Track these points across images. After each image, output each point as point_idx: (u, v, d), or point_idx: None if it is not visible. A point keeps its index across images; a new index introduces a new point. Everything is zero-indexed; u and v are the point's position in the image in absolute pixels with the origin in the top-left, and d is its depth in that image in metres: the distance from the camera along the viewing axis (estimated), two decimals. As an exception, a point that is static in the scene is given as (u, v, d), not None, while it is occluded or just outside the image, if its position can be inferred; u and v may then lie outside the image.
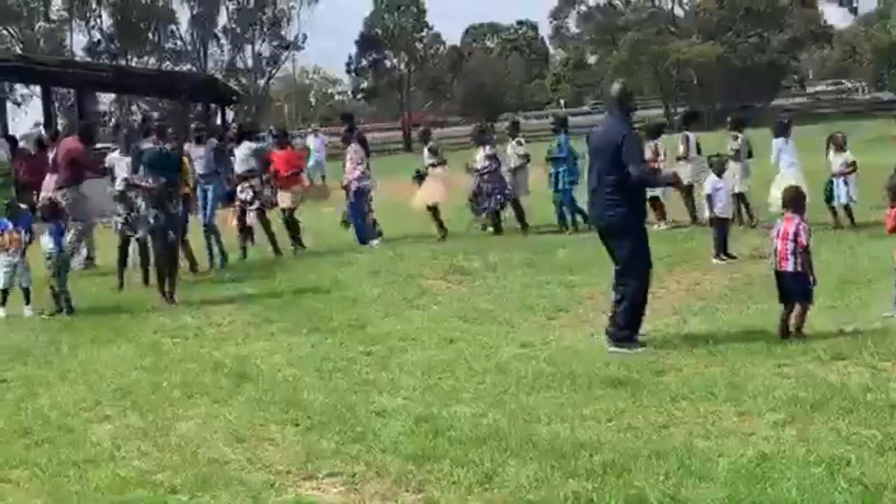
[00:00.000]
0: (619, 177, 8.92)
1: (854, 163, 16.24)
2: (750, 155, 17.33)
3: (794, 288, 8.99)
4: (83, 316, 12.22)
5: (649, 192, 17.53)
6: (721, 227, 13.85)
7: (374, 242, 17.29)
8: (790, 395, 7.00)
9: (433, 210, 18.13)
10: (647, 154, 17.46)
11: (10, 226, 12.68)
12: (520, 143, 18.99)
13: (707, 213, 14.16)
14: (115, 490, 6.02)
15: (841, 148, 16.39)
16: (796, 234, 8.97)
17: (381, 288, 12.88)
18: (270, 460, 6.43)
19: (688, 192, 17.65)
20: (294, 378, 8.52)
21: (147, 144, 13.17)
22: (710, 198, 13.93)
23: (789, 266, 9.00)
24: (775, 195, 15.91)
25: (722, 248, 13.73)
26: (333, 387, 8.13)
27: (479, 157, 18.37)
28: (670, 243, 15.48)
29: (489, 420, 6.92)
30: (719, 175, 14.19)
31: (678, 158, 18.28)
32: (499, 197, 18.20)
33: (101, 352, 10.12)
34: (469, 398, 7.55)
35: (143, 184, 12.85)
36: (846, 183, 15.99)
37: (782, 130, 16.87)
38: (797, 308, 8.94)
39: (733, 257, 13.66)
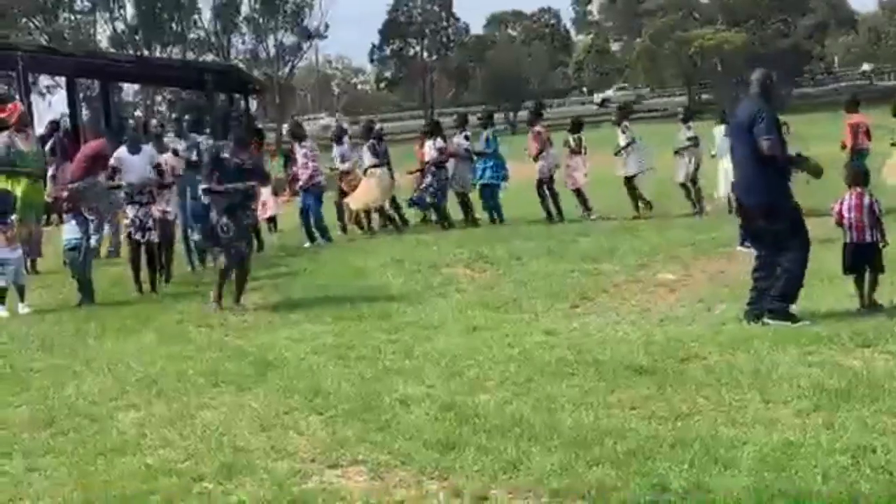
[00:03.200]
0: (760, 155, 9.05)
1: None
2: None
3: (873, 257, 9.48)
4: (108, 306, 12.28)
5: (571, 186, 18.40)
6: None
7: (307, 244, 17.09)
8: (815, 383, 6.96)
9: (366, 213, 18.21)
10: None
11: (9, 220, 12.43)
12: (466, 138, 18.95)
13: (734, 201, 14.07)
14: (140, 478, 6.04)
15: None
16: (871, 206, 9.46)
17: (405, 276, 12.90)
18: (295, 448, 6.44)
19: (630, 182, 18.28)
20: (318, 366, 8.53)
21: (226, 150, 11.73)
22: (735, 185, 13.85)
23: (868, 237, 9.48)
24: (723, 184, 16.94)
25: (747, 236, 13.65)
26: (358, 375, 8.13)
27: (428, 149, 18.46)
28: (695, 231, 15.47)
29: (513, 408, 6.91)
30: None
31: (616, 153, 18.78)
32: (431, 190, 18.21)
33: (127, 341, 10.17)
34: (493, 386, 7.55)
35: (221, 188, 11.46)
36: None
37: (725, 118, 17.34)
38: (869, 277, 9.49)
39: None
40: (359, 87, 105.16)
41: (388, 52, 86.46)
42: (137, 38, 75.07)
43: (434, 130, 18.89)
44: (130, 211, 13.06)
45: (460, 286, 12.26)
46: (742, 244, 13.57)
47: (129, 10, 76.38)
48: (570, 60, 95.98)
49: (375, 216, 18.77)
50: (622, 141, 19.08)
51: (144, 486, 5.90)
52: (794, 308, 9.13)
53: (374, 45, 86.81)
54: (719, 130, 17.70)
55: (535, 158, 18.92)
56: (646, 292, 11.31)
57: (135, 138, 13.56)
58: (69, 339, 10.43)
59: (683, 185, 18.78)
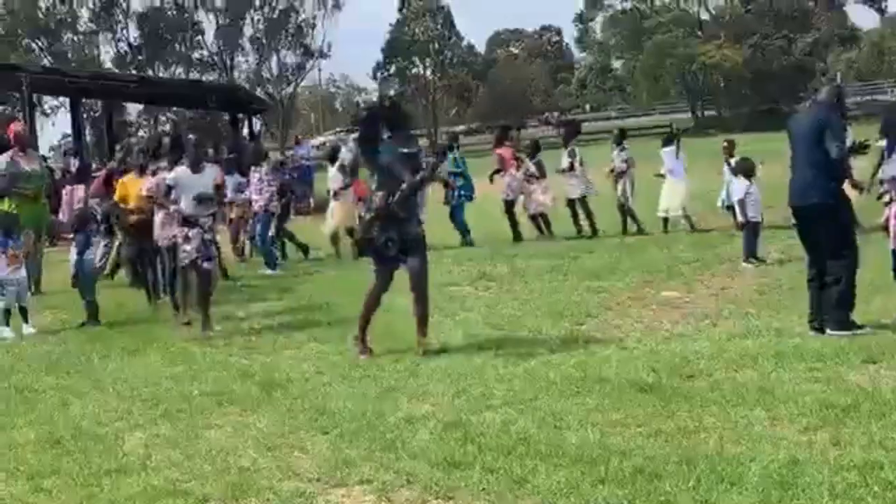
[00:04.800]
0: (823, 159, 9.19)
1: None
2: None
3: None
4: (112, 326, 12.28)
5: (533, 210, 18.47)
6: (752, 230, 13.80)
7: (268, 271, 16.74)
8: (821, 400, 6.95)
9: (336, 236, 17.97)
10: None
11: (11, 241, 12.37)
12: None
13: (739, 217, 14.09)
14: (146, 499, 6.04)
15: (731, 154, 17.41)
16: None
17: (408, 295, 12.88)
18: (301, 468, 6.44)
19: (575, 204, 18.88)
20: (323, 386, 8.53)
21: (385, 143, 9.74)
22: (741, 202, 13.89)
23: None
24: (664, 203, 17.86)
25: (752, 252, 13.67)
26: (362, 394, 8.13)
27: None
28: (699, 248, 15.47)
29: (518, 426, 6.91)
30: (748, 178, 14.13)
31: (563, 171, 18.85)
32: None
33: (132, 361, 10.18)
34: (498, 404, 7.54)
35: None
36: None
37: (669, 141, 18.35)
38: None
39: (763, 261, 13.60)
40: (361, 104, 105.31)
41: (391, 70, 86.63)
42: (141, 58, 75.28)
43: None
44: (193, 236, 11.44)
45: (465, 304, 12.25)
46: (746, 260, 13.60)
47: (133, 31, 76.71)
48: (572, 78, 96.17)
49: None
50: (564, 163, 19.02)
51: (150, 507, 5.90)
52: (852, 315, 9.21)
53: (377, 63, 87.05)
54: (666, 151, 18.35)
55: (491, 179, 19.18)
56: (650, 309, 11.30)
57: (197, 156, 12.04)
58: (74, 360, 10.44)
59: (622, 207, 18.76)
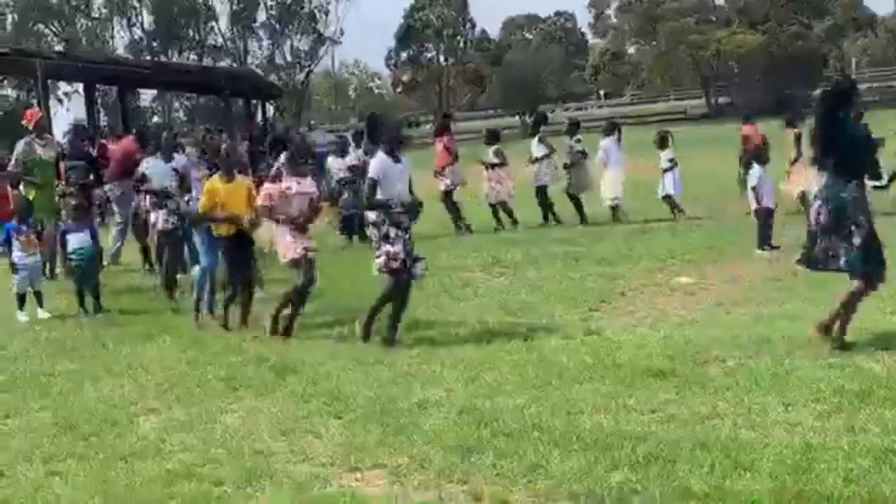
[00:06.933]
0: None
1: (673, 159, 18.05)
2: (585, 155, 18.76)
3: None
4: (126, 312, 12.31)
5: (494, 199, 18.31)
6: (766, 218, 13.75)
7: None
8: (835, 386, 6.94)
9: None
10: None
11: (24, 227, 12.45)
12: (367, 153, 17.78)
13: (753, 205, 14.03)
14: (161, 483, 6.06)
15: (663, 147, 18.14)
16: None
17: (423, 280, 12.89)
18: (314, 453, 6.46)
19: (543, 193, 18.75)
20: (337, 371, 8.54)
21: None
22: (756, 189, 13.84)
23: None
24: (610, 192, 18.21)
25: (766, 240, 13.64)
26: (376, 379, 8.15)
27: (336, 167, 18.22)
28: (711, 235, 15.43)
29: (532, 412, 6.91)
30: (763, 165, 14.07)
31: (533, 161, 18.67)
32: (353, 211, 17.35)
33: (146, 346, 10.19)
34: (512, 390, 7.55)
35: None
36: (673, 177, 17.99)
37: (610, 131, 18.64)
38: None
39: (776, 248, 13.56)
40: (375, 91, 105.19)
41: (404, 56, 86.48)
42: (154, 44, 75.36)
43: (343, 147, 18.72)
44: (399, 236, 9.62)
45: (479, 290, 12.26)
46: (760, 247, 13.56)
47: (146, 17, 76.78)
48: (586, 64, 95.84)
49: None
50: (536, 152, 18.89)
51: (165, 491, 5.93)
52: None
53: (390, 50, 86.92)
54: (607, 142, 18.51)
55: (438, 173, 18.77)
56: (663, 296, 11.29)
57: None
58: (89, 345, 10.47)
59: (572, 197, 18.65)
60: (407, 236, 9.61)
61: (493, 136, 19.63)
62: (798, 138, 16.83)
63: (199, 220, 11.02)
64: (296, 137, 14.11)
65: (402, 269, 9.55)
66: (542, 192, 18.75)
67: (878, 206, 11.01)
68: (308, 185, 10.48)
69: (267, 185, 10.64)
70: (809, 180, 16.24)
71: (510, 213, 18.83)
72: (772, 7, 68.40)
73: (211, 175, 11.15)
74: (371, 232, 9.79)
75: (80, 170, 15.30)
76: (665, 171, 18.16)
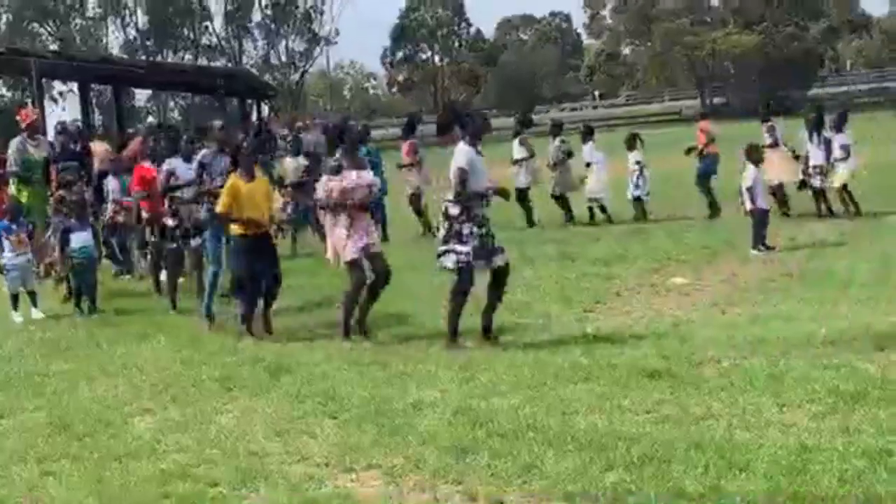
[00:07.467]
0: None
1: (640, 161, 18.24)
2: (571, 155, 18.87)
3: None
4: (121, 312, 12.30)
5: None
6: (761, 218, 13.76)
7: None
8: (830, 387, 6.94)
9: None
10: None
11: (15, 227, 12.44)
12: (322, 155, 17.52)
13: (748, 205, 14.04)
14: (155, 483, 6.06)
15: (632, 147, 18.40)
16: None
17: (418, 281, 12.88)
18: (309, 453, 6.46)
19: (524, 196, 18.49)
20: (332, 371, 8.54)
21: None
22: (751, 189, 13.84)
23: None
24: (589, 190, 18.46)
25: (761, 240, 13.65)
26: (371, 380, 8.14)
27: (291, 168, 17.93)
28: (708, 235, 15.43)
29: (527, 412, 6.91)
30: (757, 165, 14.08)
31: (513, 163, 18.69)
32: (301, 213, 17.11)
33: (141, 346, 10.18)
34: (507, 390, 7.54)
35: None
36: (639, 179, 18.18)
37: (588, 136, 18.98)
38: None
39: (772, 248, 13.57)
40: (370, 91, 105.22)
41: (399, 56, 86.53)
42: (149, 43, 75.28)
43: (298, 148, 18.40)
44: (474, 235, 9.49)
45: (474, 291, 12.22)
46: (755, 248, 13.57)
47: (141, 16, 76.71)
48: (581, 64, 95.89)
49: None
50: (516, 154, 18.84)
51: (159, 491, 5.93)
52: None
53: (385, 50, 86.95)
54: (587, 148, 18.83)
55: (403, 167, 18.77)
56: (659, 296, 11.29)
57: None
58: (83, 345, 10.47)
59: (559, 198, 18.67)
60: (483, 231, 9.46)
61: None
62: (771, 130, 17.04)
63: (221, 219, 10.76)
64: (354, 126, 13.34)
65: (468, 266, 9.45)
66: (522, 194, 18.66)
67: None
68: (367, 176, 10.31)
69: (326, 179, 10.31)
70: (782, 172, 16.54)
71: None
72: (767, 8, 68.37)
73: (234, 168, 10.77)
74: (442, 224, 9.57)
75: (72, 171, 15.22)
76: (632, 172, 18.26)
